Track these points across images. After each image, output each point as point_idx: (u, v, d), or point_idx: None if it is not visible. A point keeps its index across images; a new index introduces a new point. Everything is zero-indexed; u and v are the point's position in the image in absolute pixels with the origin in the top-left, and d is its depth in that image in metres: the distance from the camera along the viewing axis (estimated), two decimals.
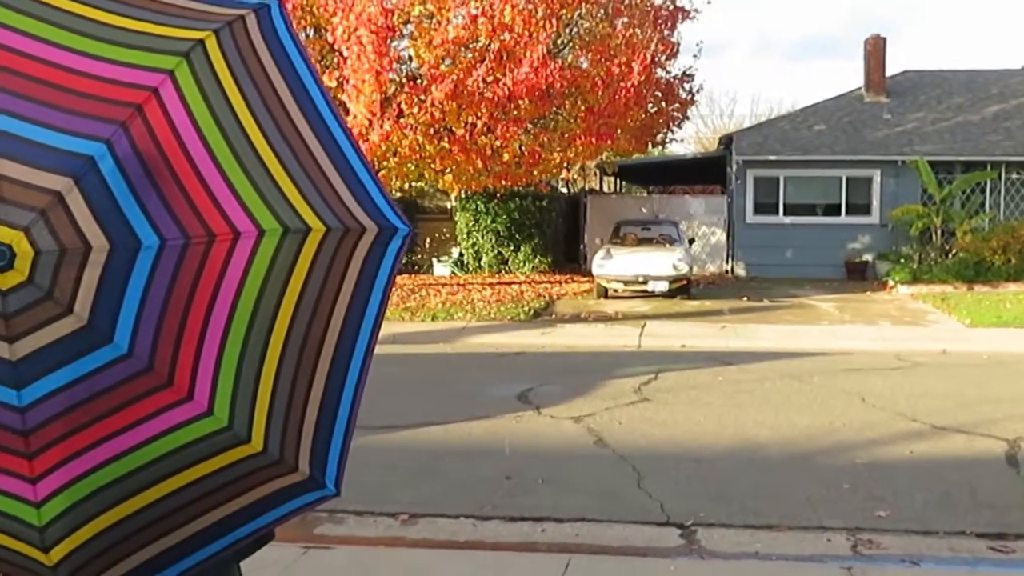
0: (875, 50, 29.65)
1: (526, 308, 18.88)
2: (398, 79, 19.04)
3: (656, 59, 22.29)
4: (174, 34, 1.57)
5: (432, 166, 19.54)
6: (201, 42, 1.56)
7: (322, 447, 1.68)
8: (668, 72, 24.49)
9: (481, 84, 17.84)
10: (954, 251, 24.23)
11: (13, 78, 1.47)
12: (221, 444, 1.54)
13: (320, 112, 1.69)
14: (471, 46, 18.53)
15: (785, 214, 26.92)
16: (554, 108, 20.21)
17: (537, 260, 26.92)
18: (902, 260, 24.73)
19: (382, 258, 1.68)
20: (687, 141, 50.45)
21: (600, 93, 19.58)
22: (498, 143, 18.98)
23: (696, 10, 23.72)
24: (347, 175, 1.67)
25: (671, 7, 23.43)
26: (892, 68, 30.57)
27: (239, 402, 1.54)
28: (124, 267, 1.44)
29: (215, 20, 1.60)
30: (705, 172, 32.94)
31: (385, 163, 19.08)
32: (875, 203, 26.43)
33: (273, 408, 1.58)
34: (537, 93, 18.32)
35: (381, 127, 17.46)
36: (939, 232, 24.77)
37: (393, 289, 1.75)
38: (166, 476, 1.53)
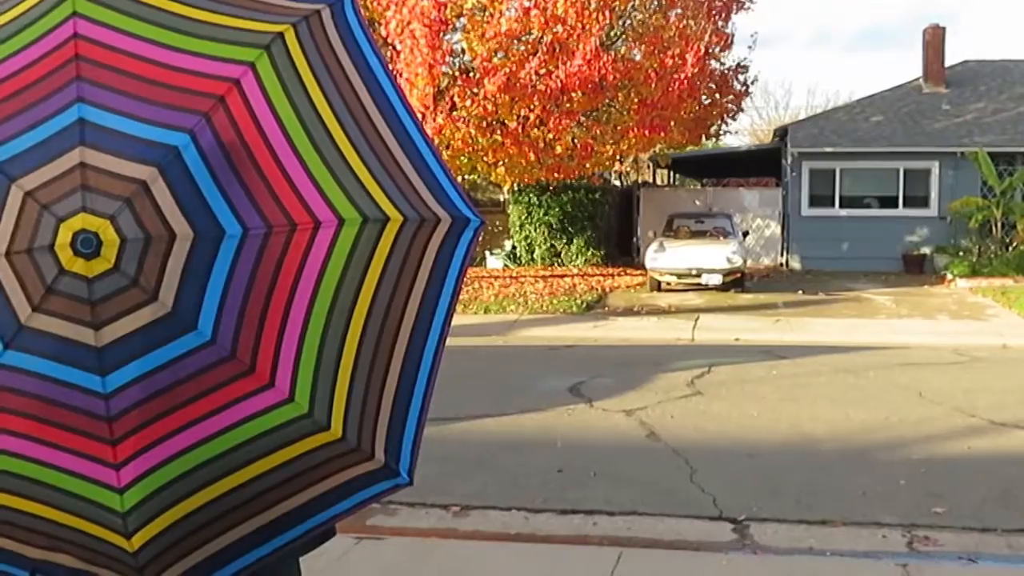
0: (934, 40, 29.20)
1: (578, 301, 18.86)
2: (451, 72, 19.07)
3: (710, 51, 22.10)
4: (254, 27, 1.61)
5: (485, 159, 19.56)
6: (281, 35, 1.60)
7: (396, 436, 1.70)
8: (722, 64, 24.27)
9: (534, 77, 17.82)
10: (1014, 244, 23.83)
11: (103, 71, 1.51)
12: (302, 431, 1.56)
13: (393, 104, 1.72)
14: (524, 39, 18.50)
15: (841, 207, 26.62)
16: (607, 100, 20.13)
17: (590, 253, 26.85)
18: (961, 253, 24.37)
19: (455, 249, 1.72)
20: (741, 133, 50.17)
21: (653, 85, 19.46)
22: (551, 136, 18.95)
23: (751, 1, 23.48)
24: (420, 166, 1.70)
25: None
26: (951, 58, 30.13)
27: (319, 389, 1.56)
28: (208, 255, 1.47)
29: (292, 14, 1.64)
30: (760, 164, 32.68)
31: None
32: (933, 195, 26.06)
33: (352, 395, 1.60)
34: (590, 85, 18.26)
35: (434, 120, 17.51)
36: (999, 225, 24.36)
37: (464, 280, 1.74)
38: (247, 463, 1.56)
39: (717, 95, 24.62)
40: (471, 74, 18.52)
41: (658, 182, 35.70)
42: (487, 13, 18.27)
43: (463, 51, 19.39)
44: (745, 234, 24.12)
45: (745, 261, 21.23)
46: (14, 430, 1.47)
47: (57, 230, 1.42)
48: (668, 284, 20.81)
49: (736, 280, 20.50)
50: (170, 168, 1.47)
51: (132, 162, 1.46)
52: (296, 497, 1.63)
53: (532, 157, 19.23)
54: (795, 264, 26.72)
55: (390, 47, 17.99)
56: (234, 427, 1.53)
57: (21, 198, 1.43)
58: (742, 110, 26.94)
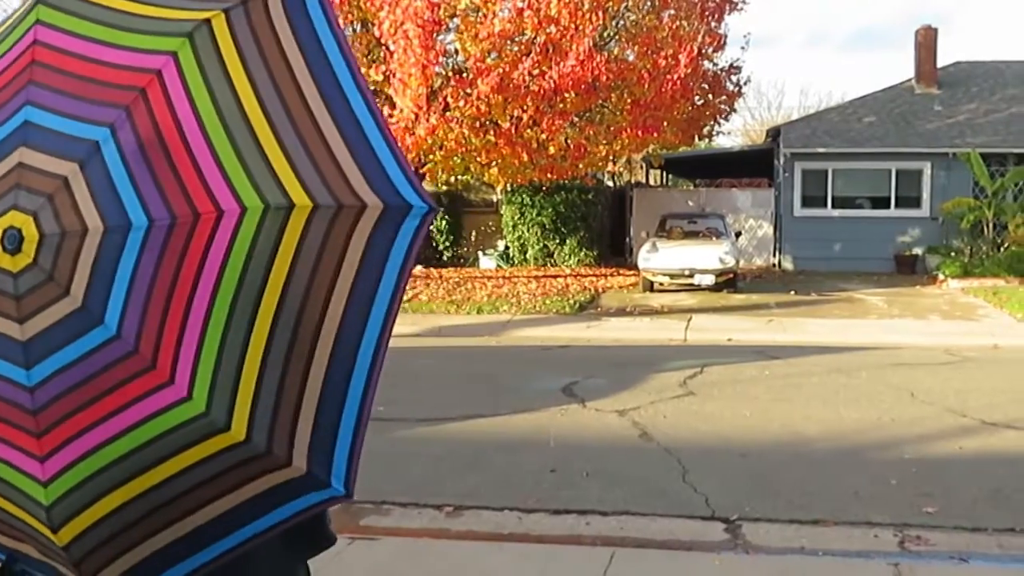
0: (926, 41, 29.28)
1: (571, 301, 18.87)
2: (444, 73, 19.07)
3: (703, 51, 22.13)
4: (183, 16, 1.58)
5: (478, 159, 19.57)
6: (207, 21, 1.57)
7: (324, 443, 1.58)
8: (715, 64, 24.32)
9: (527, 77, 17.83)
10: (1006, 245, 23.89)
11: (50, 73, 1.53)
12: (200, 431, 1.50)
13: (342, 88, 1.63)
14: (517, 39, 18.52)
15: (833, 207, 26.68)
16: (600, 101, 20.14)
17: (583, 253, 26.88)
18: (952, 254, 24.43)
19: (394, 239, 1.57)
20: (734, 134, 50.23)
21: (646, 86, 19.49)
22: (544, 136, 18.97)
23: (744, 1, 23.53)
24: (359, 150, 1.59)
25: None
26: (943, 59, 30.20)
27: (219, 388, 1.50)
28: (115, 248, 1.46)
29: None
30: (752, 165, 32.73)
31: (431, 156, 19.13)
32: (925, 196, 26.13)
33: (259, 396, 1.52)
34: (583, 86, 18.28)
35: (427, 121, 17.51)
36: (991, 225, 24.43)
37: (411, 273, 1.61)
38: (155, 463, 1.51)
39: (710, 96, 24.67)
40: (464, 74, 18.53)
41: (651, 182, 35.73)
42: (480, 14, 18.28)
43: (456, 51, 19.40)
44: (738, 235, 24.15)
45: (738, 261, 21.26)
46: None
47: None
48: (661, 284, 20.83)
49: (729, 280, 20.53)
50: (89, 163, 1.48)
51: (58, 159, 1.48)
52: (213, 505, 1.56)
53: (525, 157, 19.24)
54: (788, 264, 26.77)
55: (383, 47, 17.99)
56: (138, 425, 1.49)
57: None
58: (735, 111, 27.02)
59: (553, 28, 17.83)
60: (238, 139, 1.53)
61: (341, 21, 18.92)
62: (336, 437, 1.58)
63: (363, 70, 17.89)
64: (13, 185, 1.47)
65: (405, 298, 19.78)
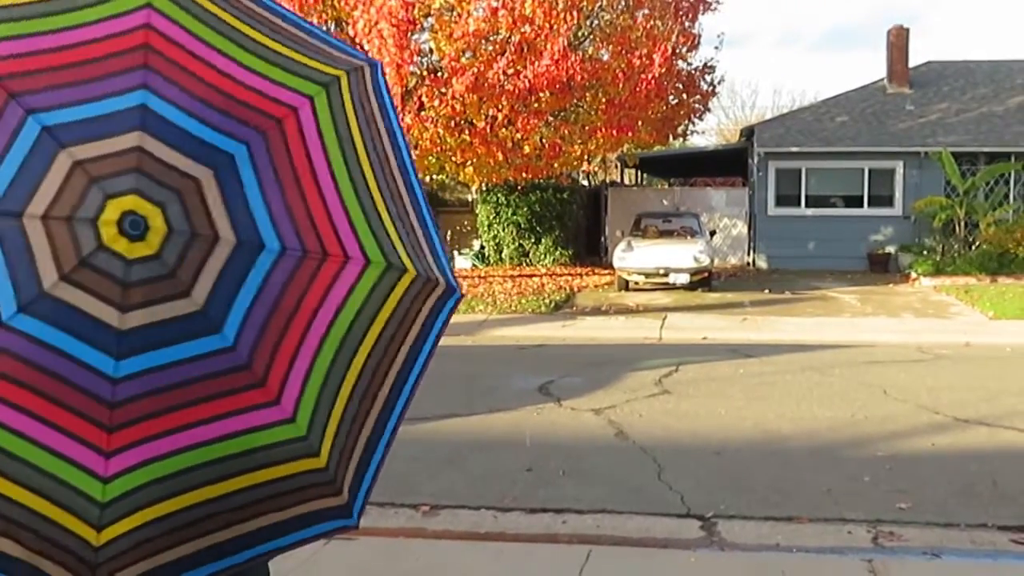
0: (898, 40, 29.47)
1: (547, 300, 18.90)
2: (419, 72, 19.05)
3: (677, 51, 22.19)
4: (316, 66, 1.68)
5: (453, 159, 19.56)
6: (338, 78, 1.68)
7: (360, 478, 1.73)
8: (689, 64, 24.38)
9: (502, 77, 17.84)
10: (977, 243, 24.09)
11: (171, 67, 1.53)
12: (294, 452, 1.58)
13: (408, 167, 1.81)
14: (492, 39, 18.51)
15: (807, 206, 26.82)
16: (575, 100, 20.17)
17: (558, 253, 26.91)
18: (925, 252, 24.61)
19: (440, 314, 1.79)
20: (708, 133, 50.43)
21: (621, 85, 19.53)
22: (519, 136, 18.99)
23: (718, 1, 23.61)
24: (425, 230, 1.79)
25: None
26: (915, 59, 30.43)
27: (318, 416, 1.60)
28: (245, 264, 1.50)
29: (345, 64, 1.72)
30: (726, 164, 32.85)
31: None
32: (898, 195, 26.30)
33: (340, 430, 1.64)
34: (558, 85, 18.30)
35: (402, 120, 17.47)
36: (962, 224, 24.62)
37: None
38: (235, 475, 1.55)
39: (684, 95, 24.72)
40: (439, 74, 18.52)
41: (626, 182, 35.80)
42: (455, 13, 18.27)
43: (431, 51, 19.38)
44: (712, 233, 24.24)
45: (712, 260, 21.33)
46: (2, 397, 1.42)
47: (104, 205, 1.42)
48: (636, 283, 20.89)
49: (703, 279, 20.61)
50: (223, 173, 1.51)
51: (188, 159, 1.48)
52: (265, 517, 1.62)
53: (500, 157, 19.26)
54: (762, 263, 26.89)
55: (358, 47, 17.94)
56: (232, 436, 1.53)
57: (70, 165, 1.42)
58: (709, 110, 27.08)
59: (528, 27, 17.84)
60: (360, 192, 1.66)
61: (315, 20, 18.86)
62: (367, 474, 1.74)
63: None
64: (132, 168, 1.45)
65: None
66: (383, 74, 1.82)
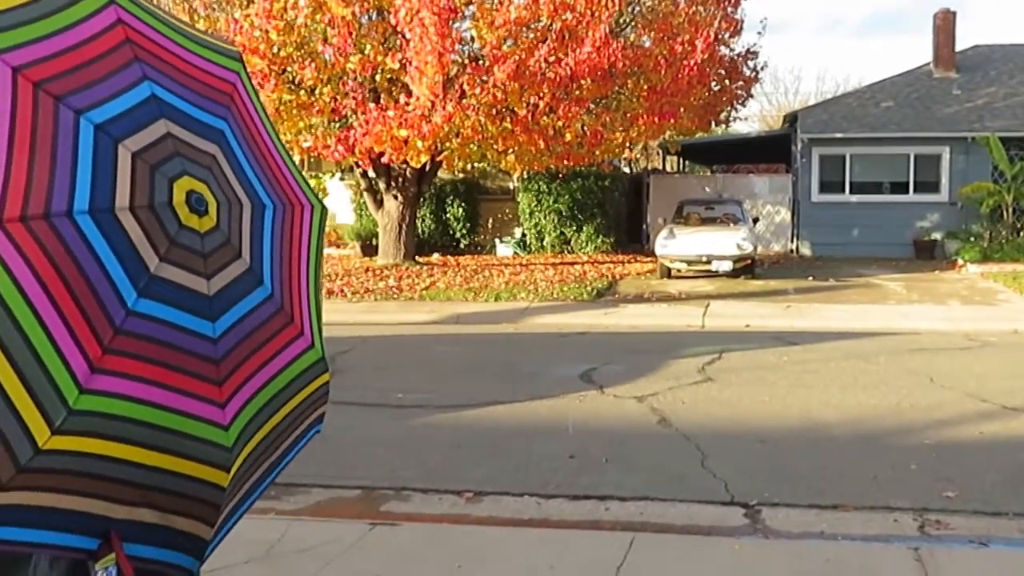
0: (944, 24, 29.09)
1: (589, 288, 18.87)
2: (460, 60, 19.06)
3: (719, 36, 22.05)
4: (223, 46, 1.93)
5: (494, 147, 19.56)
6: (242, 58, 1.94)
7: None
8: (732, 50, 24.22)
9: (543, 64, 17.80)
10: None
11: (151, 58, 1.68)
12: (317, 372, 1.88)
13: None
14: (533, 26, 18.48)
15: (851, 192, 26.58)
16: (616, 87, 20.11)
17: (599, 240, 26.86)
18: (972, 238, 24.32)
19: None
20: (751, 119, 50.06)
21: (663, 72, 19.44)
22: (560, 123, 18.95)
23: None
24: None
25: None
26: (962, 43, 30.09)
27: (321, 334, 1.90)
28: (260, 221, 1.75)
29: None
30: (769, 151, 32.63)
31: (448, 144, 19.14)
32: (944, 181, 26.01)
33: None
34: (599, 73, 18.25)
35: (443, 108, 17.51)
36: (1010, 210, 24.31)
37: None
38: (285, 403, 1.81)
39: (726, 81, 24.58)
40: (480, 62, 18.51)
41: (668, 169, 35.66)
42: (496, 1, 18.25)
43: (472, 39, 19.38)
44: (755, 220, 24.09)
45: (755, 247, 21.21)
46: (135, 375, 1.55)
47: (171, 188, 1.58)
48: (678, 271, 20.81)
49: (746, 266, 20.50)
50: (224, 147, 1.72)
51: (201, 138, 1.67)
52: (290, 438, 1.92)
53: (542, 145, 19.23)
54: (805, 250, 26.70)
55: (399, 35, 17.99)
56: (283, 370, 1.78)
57: (130, 158, 1.55)
58: (751, 96, 26.91)
59: (569, 15, 17.79)
60: (317, 293, 1.94)
61: (357, 9, 18.88)
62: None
63: (379, 58, 17.96)
64: (174, 152, 1.61)
65: (423, 285, 19.69)
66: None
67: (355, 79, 18.83)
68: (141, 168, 1.54)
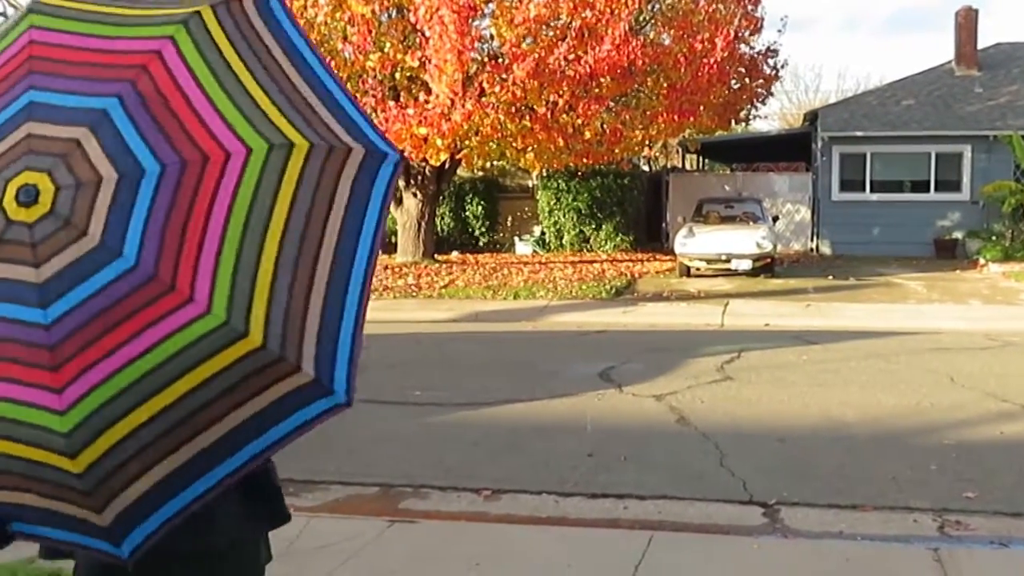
0: (966, 22, 28.92)
1: (608, 286, 18.86)
2: (480, 58, 19.08)
3: (740, 34, 22.02)
4: (175, 12, 1.89)
5: (514, 145, 19.57)
6: (198, 12, 1.87)
7: (327, 352, 1.78)
8: (752, 48, 24.18)
9: (563, 62, 17.81)
10: None
11: (49, 63, 1.80)
12: (221, 340, 1.69)
13: (311, 66, 1.92)
14: (552, 24, 18.49)
15: (872, 191, 26.47)
16: (636, 85, 20.10)
17: (619, 238, 26.84)
18: (993, 238, 24.18)
19: (374, 181, 1.85)
20: (771, 117, 49.72)
21: (683, 70, 19.42)
22: (580, 121, 18.94)
23: None
24: (334, 109, 1.88)
25: None
26: (984, 40, 29.85)
27: (236, 299, 1.70)
28: (130, 191, 1.69)
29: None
30: (789, 149, 32.49)
31: (467, 142, 19.15)
32: (965, 179, 25.86)
33: (271, 307, 1.73)
34: (619, 70, 18.24)
35: (463, 106, 17.53)
36: None
37: (389, 211, 1.89)
38: (174, 379, 1.69)
39: (747, 79, 24.53)
40: (500, 60, 18.54)
41: (687, 167, 35.57)
42: None
43: (492, 37, 19.40)
44: (775, 219, 24.02)
45: (775, 246, 21.14)
46: None
47: (5, 189, 1.67)
48: (697, 269, 20.77)
49: (766, 265, 20.44)
50: (99, 126, 1.72)
51: (66, 126, 1.72)
52: (227, 419, 1.73)
53: (561, 143, 19.23)
54: (825, 249, 26.60)
55: (419, 33, 18.02)
56: (159, 343, 1.67)
57: (22, 136, 1.71)
58: (772, 94, 26.85)
59: (589, 12, 17.79)
60: (236, 98, 1.81)
61: (377, 7, 18.89)
62: (337, 345, 1.79)
63: (399, 56, 17.98)
64: (25, 152, 1.70)
65: (442, 283, 19.69)
66: (284, 6, 1.98)
67: (375, 77, 18.88)
68: (21, 147, 1.70)
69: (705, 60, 19.40)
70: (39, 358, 1.66)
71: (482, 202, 28.06)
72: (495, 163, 24.13)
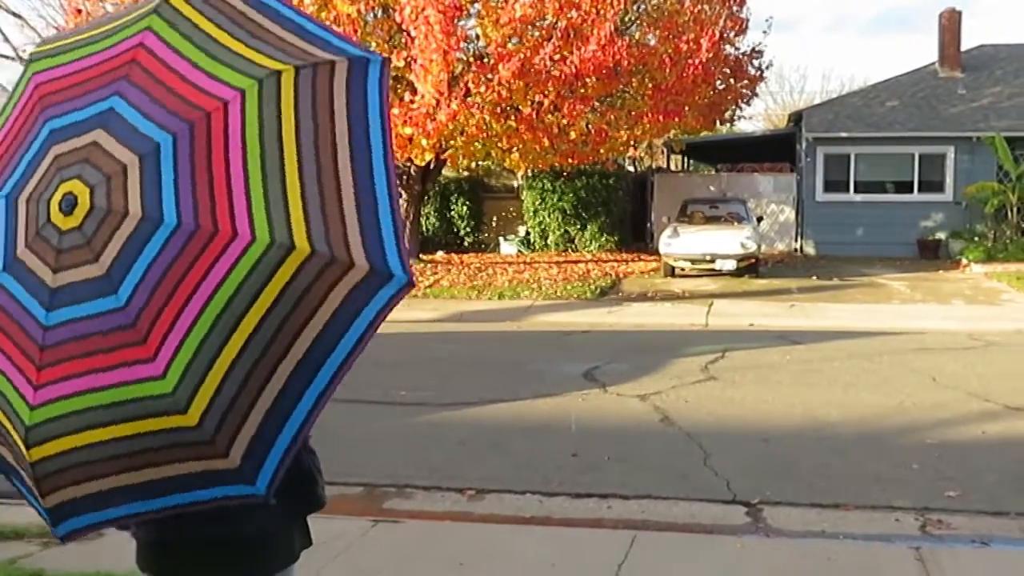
0: (950, 24, 29.04)
1: (592, 287, 18.88)
2: (465, 58, 19.07)
3: (725, 35, 22.06)
4: (263, 62, 1.89)
5: (499, 145, 19.57)
6: (278, 72, 1.87)
7: (262, 448, 1.83)
8: (737, 48, 24.22)
9: (548, 62, 17.81)
10: None
11: (143, 75, 1.88)
12: (160, 407, 1.77)
13: (372, 159, 1.87)
14: (538, 24, 18.49)
15: (856, 192, 26.55)
16: (621, 86, 20.11)
17: (604, 239, 26.86)
18: (976, 238, 24.29)
19: (369, 299, 1.83)
20: (756, 118, 49.86)
21: (668, 70, 19.44)
22: (565, 121, 18.95)
23: None
24: (366, 217, 1.83)
25: None
26: (967, 42, 29.97)
27: (188, 377, 1.76)
28: (145, 235, 1.77)
29: (306, 59, 1.91)
30: (774, 150, 32.56)
31: (452, 142, 19.15)
32: (949, 180, 25.96)
33: (219, 394, 1.78)
34: (604, 71, 18.25)
35: (448, 106, 17.52)
36: (1015, 210, 24.27)
37: (376, 331, 1.86)
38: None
39: (731, 80, 24.58)
40: (485, 60, 18.53)
41: (672, 168, 35.62)
42: None
43: (477, 37, 19.39)
44: (759, 219, 24.07)
45: (759, 246, 21.20)
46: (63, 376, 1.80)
47: (57, 188, 1.82)
48: (682, 270, 20.81)
49: (750, 265, 20.49)
50: (147, 159, 1.79)
51: (125, 147, 1.81)
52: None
53: (546, 143, 19.23)
54: (809, 249, 26.68)
55: (404, 33, 18.00)
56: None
57: (51, 160, 1.86)
58: (756, 95, 26.93)
59: (574, 13, 17.80)
60: (269, 176, 1.81)
61: (362, 7, 18.80)
62: (273, 446, 1.84)
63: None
64: (83, 159, 1.82)
65: (427, 283, 19.65)
66: (384, 71, 1.96)
67: None
68: (51, 169, 1.85)
69: (690, 61, 19.43)
70: (32, 352, 1.80)
71: (467, 202, 28.05)
72: (480, 163, 24.12)
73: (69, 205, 1.79)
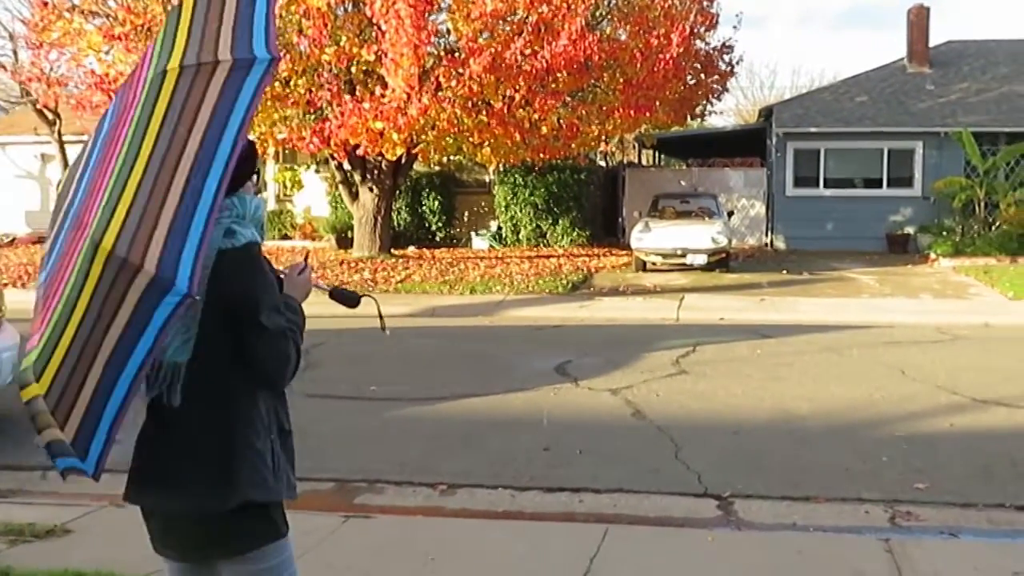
0: (918, 20, 29.24)
1: (564, 281, 18.89)
2: (436, 52, 19.02)
3: (695, 30, 22.11)
4: (174, 57, 2.22)
5: (470, 140, 19.53)
6: (164, 73, 2.20)
7: (87, 426, 2.15)
8: (707, 44, 24.28)
9: (519, 57, 17.78)
10: (997, 224, 23.97)
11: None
12: (28, 377, 2.25)
13: (211, 168, 2.10)
14: (509, 19, 18.46)
15: (826, 187, 26.69)
16: (592, 81, 20.11)
17: (575, 233, 26.87)
18: (944, 233, 24.48)
19: (156, 306, 2.06)
20: (726, 113, 50.06)
21: (639, 65, 19.46)
22: (536, 116, 18.93)
23: None
24: (180, 223, 2.09)
25: None
26: (936, 38, 30.21)
27: (45, 349, 2.21)
28: (60, 227, 2.47)
29: (201, 57, 2.15)
30: (745, 145, 32.73)
31: (424, 137, 19.09)
32: (917, 175, 26.15)
33: (61, 370, 2.15)
34: (575, 66, 18.24)
35: (419, 101, 17.46)
36: (982, 204, 24.48)
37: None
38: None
39: (702, 75, 24.64)
40: (456, 54, 18.47)
41: (643, 162, 35.72)
42: None
43: (448, 31, 19.35)
44: (730, 214, 24.16)
45: (730, 241, 21.28)
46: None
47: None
48: (653, 264, 20.86)
49: (721, 260, 20.56)
50: (81, 162, 2.37)
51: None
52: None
53: (518, 138, 19.21)
54: (780, 244, 26.80)
55: (375, 27, 17.93)
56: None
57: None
58: (727, 90, 27.01)
59: (545, 8, 17.77)
60: (118, 177, 2.15)
61: (332, 1, 18.67)
62: (97, 427, 2.14)
63: (354, 50, 17.87)
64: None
65: (398, 278, 19.53)
66: (267, 73, 2.16)
67: (330, 71, 18.77)
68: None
69: (661, 56, 19.45)
70: (39, 315, 2.25)
71: (438, 197, 27.98)
72: (452, 158, 24.06)
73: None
